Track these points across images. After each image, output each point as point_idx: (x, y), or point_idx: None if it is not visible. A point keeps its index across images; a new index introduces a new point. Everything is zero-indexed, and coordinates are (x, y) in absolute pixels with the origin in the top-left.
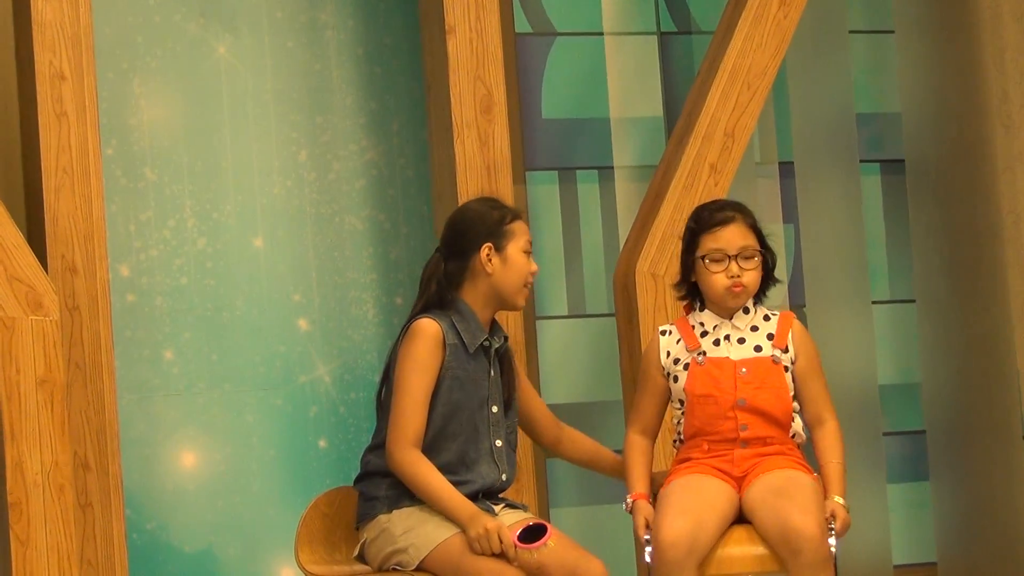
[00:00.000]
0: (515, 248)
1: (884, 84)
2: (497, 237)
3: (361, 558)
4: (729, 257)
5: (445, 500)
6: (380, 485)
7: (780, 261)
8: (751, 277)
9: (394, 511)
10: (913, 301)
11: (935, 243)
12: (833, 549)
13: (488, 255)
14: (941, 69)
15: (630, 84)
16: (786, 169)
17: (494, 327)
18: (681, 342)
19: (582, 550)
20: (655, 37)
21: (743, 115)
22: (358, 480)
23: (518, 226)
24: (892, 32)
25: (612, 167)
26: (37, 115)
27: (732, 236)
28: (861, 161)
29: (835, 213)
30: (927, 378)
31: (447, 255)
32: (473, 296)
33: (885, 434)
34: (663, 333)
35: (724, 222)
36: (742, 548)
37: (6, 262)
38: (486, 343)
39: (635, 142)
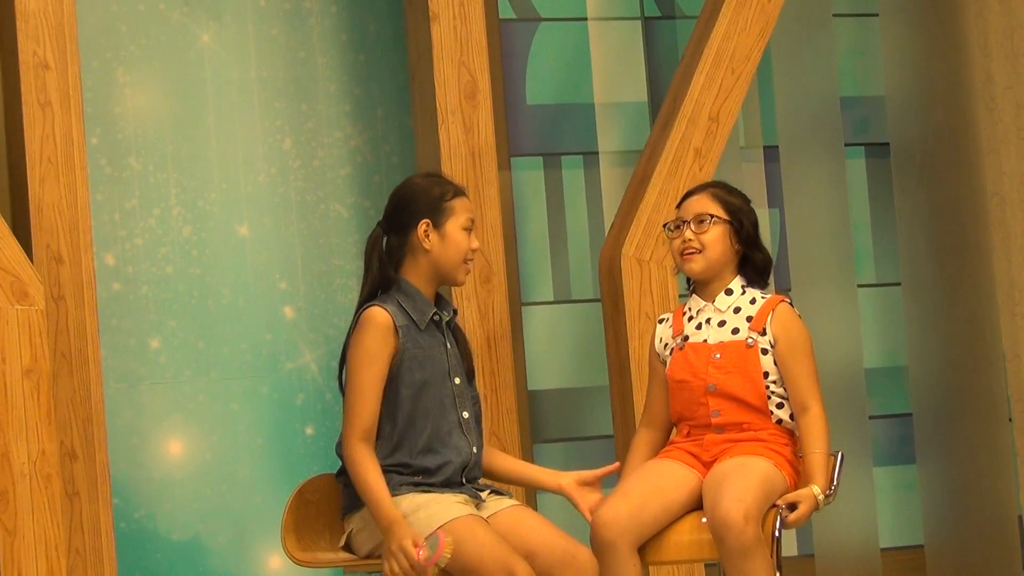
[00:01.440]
0: (454, 225)
1: (868, 67)
2: (436, 214)
3: (347, 548)
4: (685, 222)
5: (375, 500)
6: None
7: (765, 245)
8: (704, 240)
9: None
10: (899, 284)
11: (920, 226)
12: (777, 534)
13: (426, 231)
14: (925, 52)
15: (614, 69)
16: (771, 153)
17: (440, 301)
18: (672, 328)
19: (570, 539)
20: (639, 22)
21: (727, 99)
22: (340, 473)
23: (459, 203)
24: (876, 15)
25: (597, 152)
26: (21, 105)
27: (691, 204)
28: (846, 144)
29: (820, 197)
30: (913, 361)
31: (387, 229)
32: (415, 273)
33: (871, 417)
34: (660, 321)
35: (688, 195)
36: (689, 535)
37: None
38: (436, 317)
39: (620, 127)
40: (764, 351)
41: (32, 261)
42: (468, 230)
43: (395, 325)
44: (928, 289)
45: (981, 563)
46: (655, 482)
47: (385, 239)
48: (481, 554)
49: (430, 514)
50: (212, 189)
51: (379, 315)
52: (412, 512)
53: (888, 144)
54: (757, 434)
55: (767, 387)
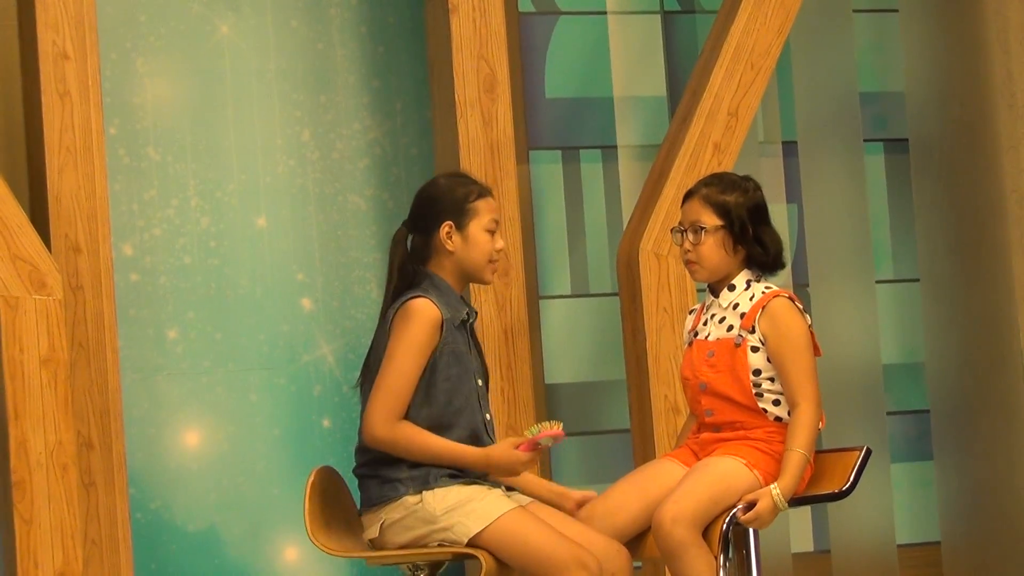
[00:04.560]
0: (477, 226)
1: (888, 63)
2: (459, 215)
3: (375, 540)
4: (683, 232)
5: (456, 455)
6: (399, 467)
7: (784, 241)
8: (700, 253)
9: (425, 492)
10: (917, 280)
11: (939, 222)
12: (724, 528)
13: (448, 233)
14: (945, 48)
15: (633, 63)
16: (790, 148)
17: (465, 301)
18: (692, 323)
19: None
20: (658, 16)
21: (747, 94)
22: (366, 465)
23: (483, 204)
24: (896, 11)
25: (615, 146)
26: (40, 94)
27: (687, 211)
28: (865, 140)
29: (839, 192)
30: (931, 357)
31: (412, 228)
32: (441, 271)
33: (889, 413)
34: (691, 312)
35: (686, 197)
36: None
37: (9, 241)
38: (465, 316)
39: (638, 121)
40: (755, 348)
41: (50, 251)
42: (491, 231)
43: (442, 319)
44: (946, 285)
45: (998, 560)
46: (640, 483)
47: (411, 238)
48: (549, 546)
49: (483, 506)
50: (230, 180)
51: (429, 308)
52: (461, 506)
53: (907, 140)
54: (749, 432)
55: (759, 384)
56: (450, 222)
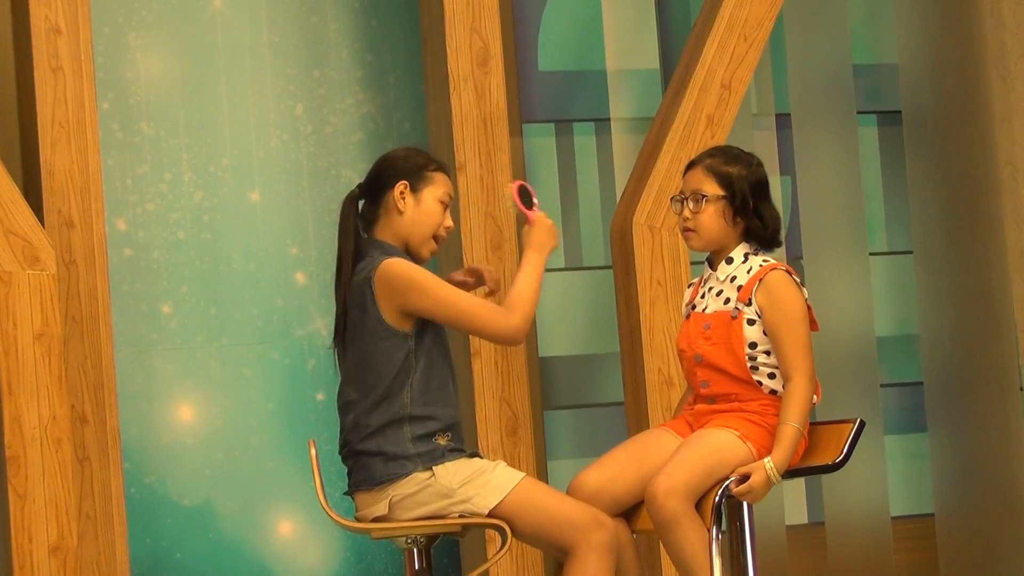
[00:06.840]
0: (431, 194)
1: (881, 35)
2: (415, 178)
3: (377, 519)
4: (683, 200)
5: (531, 274)
6: (401, 441)
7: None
8: (699, 221)
9: (436, 466)
10: (911, 252)
11: (932, 194)
12: (717, 500)
13: (402, 192)
14: (938, 20)
15: (627, 36)
16: (783, 121)
17: None
18: (689, 295)
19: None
20: None
21: (740, 67)
22: (367, 440)
23: (440, 176)
24: None
25: (609, 119)
26: (33, 69)
27: (688, 179)
28: (858, 112)
29: (832, 165)
30: (925, 329)
31: (364, 192)
32: (387, 237)
33: (883, 385)
34: (689, 286)
35: (689, 167)
36: None
37: (2, 217)
38: None
39: (632, 94)
40: (751, 321)
41: (44, 226)
42: (444, 205)
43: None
44: (940, 258)
45: (991, 532)
46: (635, 452)
47: (361, 203)
48: (565, 509)
49: (496, 477)
50: (224, 155)
51: (405, 261)
52: (475, 478)
53: (900, 112)
54: (744, 405)
55: (754, 357)
56: (406, 182)
